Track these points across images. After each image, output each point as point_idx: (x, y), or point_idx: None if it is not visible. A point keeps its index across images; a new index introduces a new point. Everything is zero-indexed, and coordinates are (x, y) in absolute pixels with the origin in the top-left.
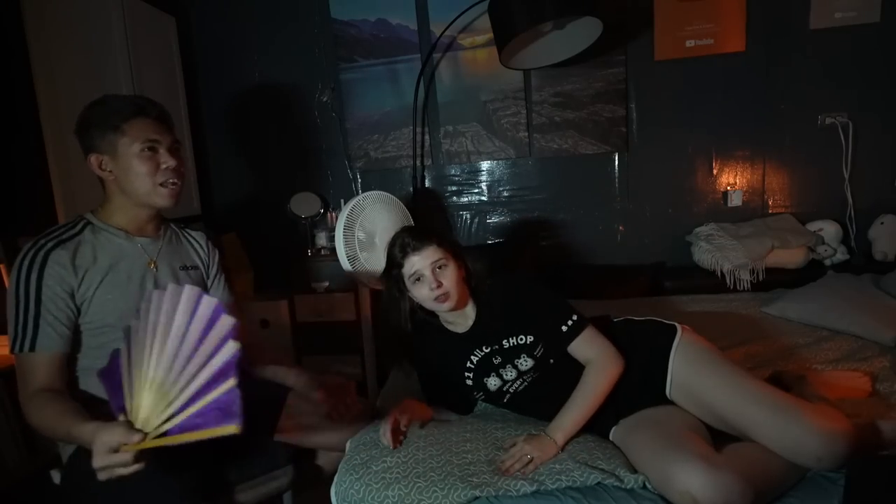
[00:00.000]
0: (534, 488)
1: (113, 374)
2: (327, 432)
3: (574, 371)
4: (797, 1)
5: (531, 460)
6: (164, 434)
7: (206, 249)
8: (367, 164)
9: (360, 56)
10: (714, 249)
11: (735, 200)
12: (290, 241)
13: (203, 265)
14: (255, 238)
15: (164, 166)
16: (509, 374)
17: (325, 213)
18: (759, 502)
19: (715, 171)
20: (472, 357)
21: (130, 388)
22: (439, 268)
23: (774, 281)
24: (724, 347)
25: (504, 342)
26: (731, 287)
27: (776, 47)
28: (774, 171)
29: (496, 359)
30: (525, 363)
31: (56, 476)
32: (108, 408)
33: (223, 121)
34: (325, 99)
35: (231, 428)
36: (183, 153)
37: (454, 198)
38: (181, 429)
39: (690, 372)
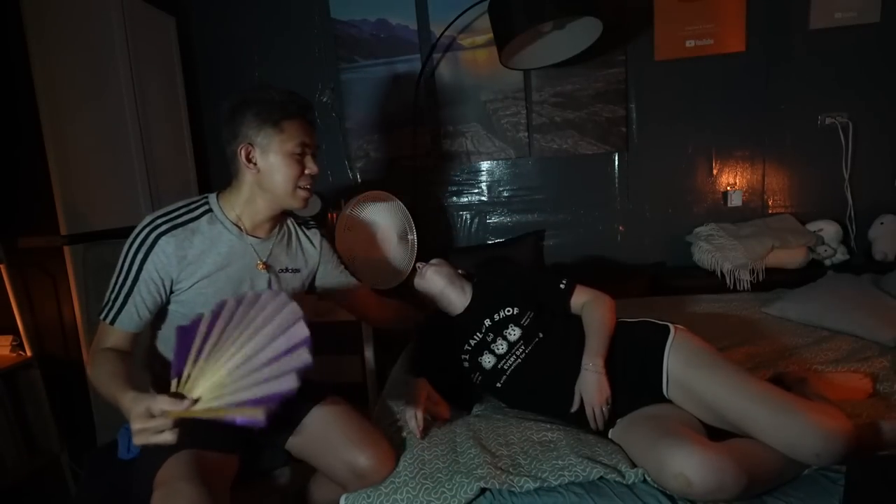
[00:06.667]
0: (537, 484)
1: (187, 336)
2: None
3: (565, 360)
4: (797, 1)
5: (603, 400)
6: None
7: (317, 248)
8: (367, 164)
9: (360, 56)
10: (714, 249)
11: (735, 200)
12: None
13: (307, 266)
14: None
15: (307, 172)
16: (500, 347)
17: (325, 213)
18: (754, 489)
19: (715, 171)
20: (471, 340)
21: (196, 361)
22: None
23: (774, 281)
24: (724, 348)
25: (495, 315)
26: (731, 287)
27: (776, 47)
28: (774, 171)
29: (489, 336)
30: (513, 333)
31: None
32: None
33: (223, 121)
34: (325, 99)
35: (256, 412)
36: (321, 159)
37: (454, 198)
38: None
39: (686, 369)
